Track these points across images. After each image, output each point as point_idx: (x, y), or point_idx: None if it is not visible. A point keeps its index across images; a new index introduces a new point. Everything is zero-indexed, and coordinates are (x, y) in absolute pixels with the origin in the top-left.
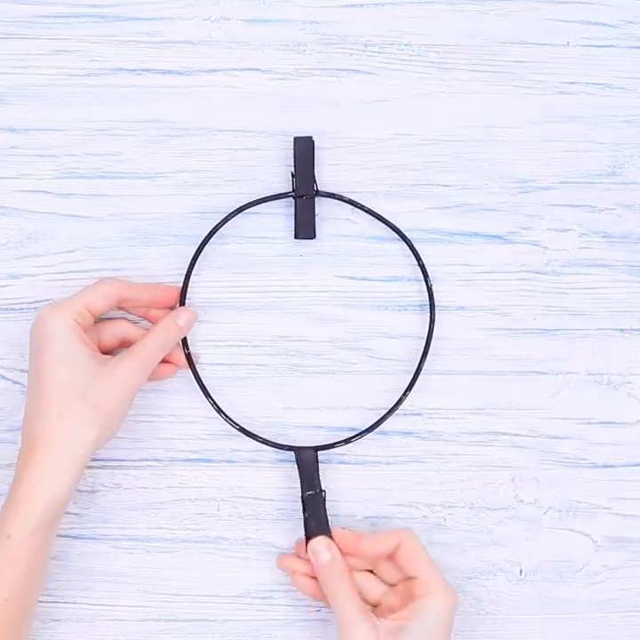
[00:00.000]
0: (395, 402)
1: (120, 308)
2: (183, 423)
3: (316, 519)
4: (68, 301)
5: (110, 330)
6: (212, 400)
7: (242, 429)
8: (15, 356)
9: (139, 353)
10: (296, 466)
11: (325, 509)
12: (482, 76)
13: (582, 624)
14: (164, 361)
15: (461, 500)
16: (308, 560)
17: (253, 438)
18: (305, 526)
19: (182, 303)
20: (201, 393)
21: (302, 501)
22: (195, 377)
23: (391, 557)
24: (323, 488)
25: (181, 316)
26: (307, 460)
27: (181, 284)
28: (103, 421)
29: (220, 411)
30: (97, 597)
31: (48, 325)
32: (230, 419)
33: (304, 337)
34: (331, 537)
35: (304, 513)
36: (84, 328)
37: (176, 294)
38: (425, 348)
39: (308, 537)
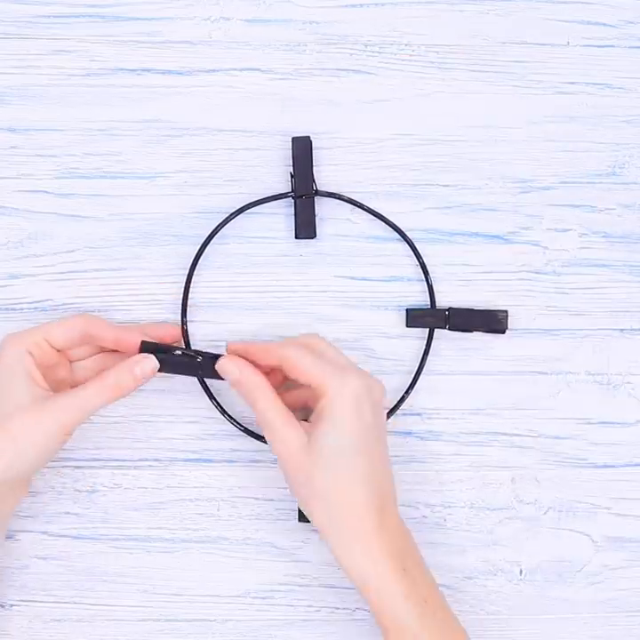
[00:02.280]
0: (395, 402)
1: (88, 344)
2: (183, 423)
3: None
4: (28, 331)
5: (89, 364)
6: (216, 401)
7: (246, 430)
8: None
9: (81, 399)
10: None
11: None
12: (482, 76)
13: (582, 624)
14: None
15: (461, 500)
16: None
17: (257, 438)
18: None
19: (184, 304)
20: (201, 393)
21: None
22: (198, 378)
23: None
24: None
25: (143, 364)
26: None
27: (183, 285)
28: (15, 451)
29: (223, 411)
30: (97, 597)
31: (2, 349)
32: (234, 419)
33: None
34: None
35: None
36: (40, 358)
37: (138, 342)
38: (425, 348)
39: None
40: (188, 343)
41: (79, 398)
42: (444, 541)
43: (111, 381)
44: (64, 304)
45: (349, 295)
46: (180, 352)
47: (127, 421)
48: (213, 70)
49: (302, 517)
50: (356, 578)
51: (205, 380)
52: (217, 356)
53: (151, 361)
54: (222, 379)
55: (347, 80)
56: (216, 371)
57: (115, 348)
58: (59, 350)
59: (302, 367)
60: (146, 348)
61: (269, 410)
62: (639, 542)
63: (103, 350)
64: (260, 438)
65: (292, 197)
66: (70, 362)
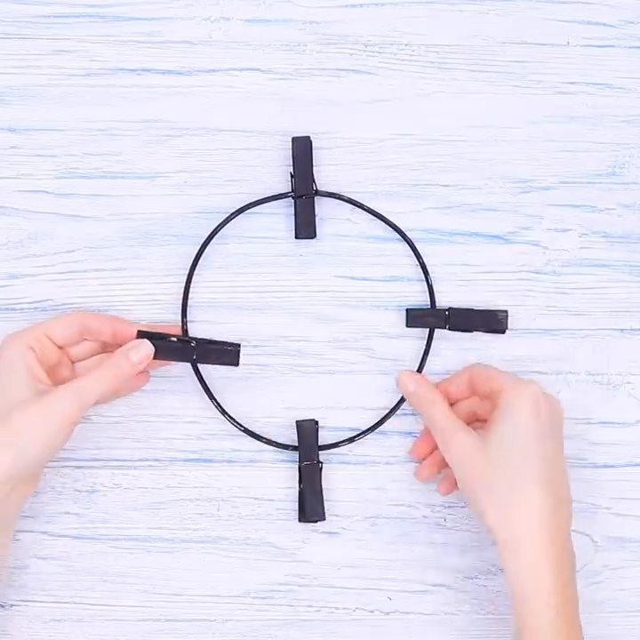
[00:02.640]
0: (397, 401)
1: (87, 339)
2: (183, 423)
3: (311, 490)
4: (28, 328)
5: (90, 365)
6: (216, 402)
7: (246, 430)
8: None
9: (80, 388)
10: (297, 464)
11: (321, 482)
12: (482, 76)
13: (582, 624)
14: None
15: (461, 500)
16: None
17: (257, 439)
18: (299, 497)
19: (184, 304)
20: (201, 393)
21: (299, 471)
22: (198, 378)
23: (472, 390)
24: (320, 460)
25: (138, 348)
26: (306, 430)
27: (183, 285)
28: (18, 445)
29: (224, 412)
30: (97, 597)
31: (3, 349)
32: (234, 420)
33: (304, 337)
34: (323, 515)
35: (300, 484)
36: (41, 354)
37: (135, 333)
38: (425, 348)
39: (303, 510)
40: None
41: (79, 387)
42: (444, 541)
43: (109, 368)
44: (64, 304)
45: (349, 295)
46: (175, 339)
47: (127, 421)
48: (213, 70)
49: (302, 517)
50: (512, 582)
51: (205, 381)
52: (210, 341)
53: (146, 346)
54: (215, 363)
55: (347, 80)
56: (210, 356)
57: (113, 342)
58: (60, 347)
59: (488, 376)
60: (142, 336)
61: (444, 420)
62: (639, 542)
63: (104, 350)
64: (261, 438)
65: (292, 197)
66: (72, 363)
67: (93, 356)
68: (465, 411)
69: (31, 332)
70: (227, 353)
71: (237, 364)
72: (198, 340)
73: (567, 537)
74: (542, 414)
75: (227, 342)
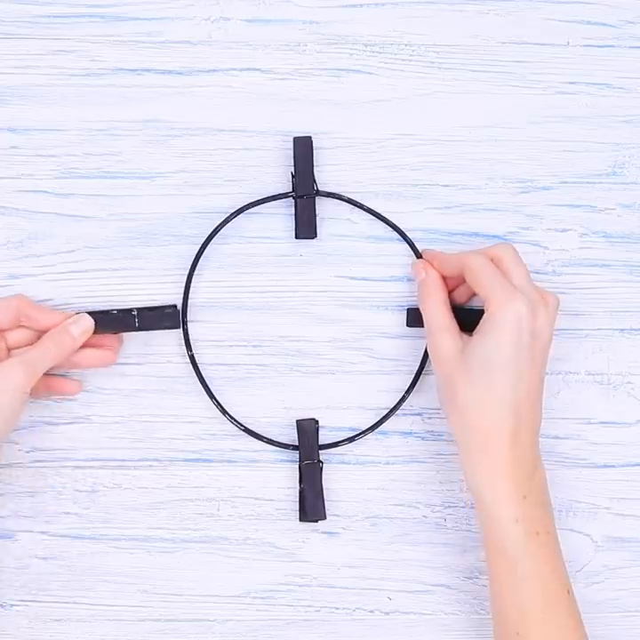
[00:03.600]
0: (397, 401)
1: (24, 326)
2: (183, 423)
3: (311, 490)
4: None
5: (20, 344)
6: (217, 401)
7: (247, 430)
8: None
9: (27, 360)
10: (297, 463)
11: (322, 481)
12: (482, 76)
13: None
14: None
15: (461, 500)
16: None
17: (258, 439)
18: (300, 497)
19: (184, 304)
20: (201, 393)
21: (299, 470)
22: (199, 378)
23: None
24: (320, 460)
25: (78, 323)
26: (307, 429)
27: (183, 285)
28: None
29: (224, 412)
30: (97, 597)
31: None
32: (235, 419)
33: (304, 337)
34: (324, 514)
35: (300, 483)
36: None
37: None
38: (425, 348)
39: (304, 509)
40: (188, 343)
41: (27, 359)
42: (444, 541)
43: (51, 341)
44: (64, 304)
45: (349, 295)
46: (115, 311)
47: (127, 421)
48: (213, 70)
49: (303, 517)
50: (474, 495)
51: (205, 381)
52: (150, 308)
53: (86, 319)
54: (158, 328)
55: (347, 80)
56: (150, 321)
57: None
58: None
59: (478, 280)
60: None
61: (433, 312)
62: (639, 542)
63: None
64: (261, 438)
65: (293, 197)
66: (9, 350)
67: (31, 343)
68: (465, 294)
69: None
70: (167, 316)
71: (179, 326)
72: (139, 309)
73: (529, 453)
74: (522, 338)
75: (165, 305)
